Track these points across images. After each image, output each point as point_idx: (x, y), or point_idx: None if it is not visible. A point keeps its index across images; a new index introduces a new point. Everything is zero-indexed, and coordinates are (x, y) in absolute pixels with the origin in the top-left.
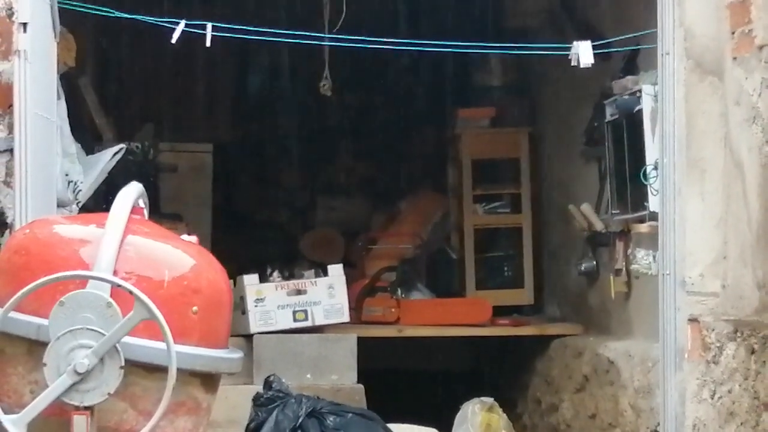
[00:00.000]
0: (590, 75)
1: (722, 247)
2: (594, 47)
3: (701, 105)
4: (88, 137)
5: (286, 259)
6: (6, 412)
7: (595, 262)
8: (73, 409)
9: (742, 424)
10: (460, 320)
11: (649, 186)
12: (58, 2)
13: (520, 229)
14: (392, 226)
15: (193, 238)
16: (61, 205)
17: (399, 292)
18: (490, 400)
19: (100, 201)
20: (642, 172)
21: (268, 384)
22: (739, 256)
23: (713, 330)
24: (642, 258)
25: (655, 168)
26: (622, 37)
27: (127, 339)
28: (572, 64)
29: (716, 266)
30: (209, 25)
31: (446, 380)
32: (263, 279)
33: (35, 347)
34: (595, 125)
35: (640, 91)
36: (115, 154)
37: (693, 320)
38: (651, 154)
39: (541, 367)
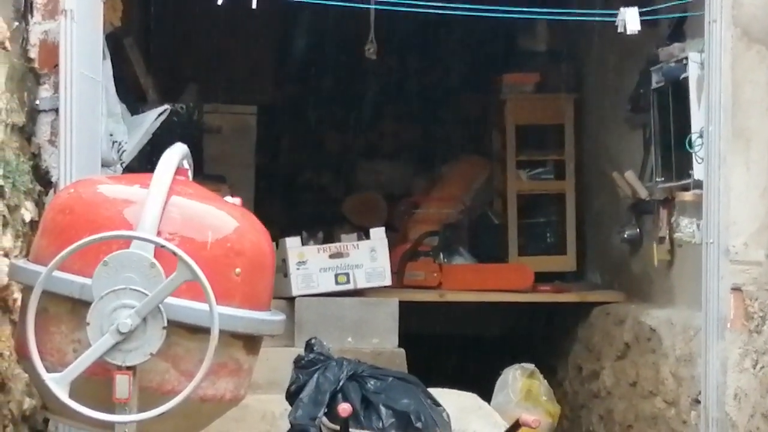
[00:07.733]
0: (637, 42)
1: (766, 216)
2: (641, 14)
3: (748, 74)
4: (132, 97)
5: (329, 222)
6: (49, 371)
7: (638, 230)
8: (115, 369)
9: None
10: (501, 286)
11: (694, 154)
12: None
13: (564, 196)
14: (435, 191)
15: (237, 200)
16: (105, 165)
17: (441, 256)
18: (531, 366)
19: (144, 161)
20: (687, 140)
21: (309, 347)
22: None
23: (756, 299)
24: (686, 226)
25: (701, 136)
26: (670, 4)
27: (170, 300)
28: (619, 30)
29: (760, 235)
30: None
31: (487, 345)
32: (305, 242)
33: (78, 306)
34: (641, 92)
35: (686, 58)
36: (160, 114)
37: (736, 289)
38: (696, 122)
39: (583, 334)
